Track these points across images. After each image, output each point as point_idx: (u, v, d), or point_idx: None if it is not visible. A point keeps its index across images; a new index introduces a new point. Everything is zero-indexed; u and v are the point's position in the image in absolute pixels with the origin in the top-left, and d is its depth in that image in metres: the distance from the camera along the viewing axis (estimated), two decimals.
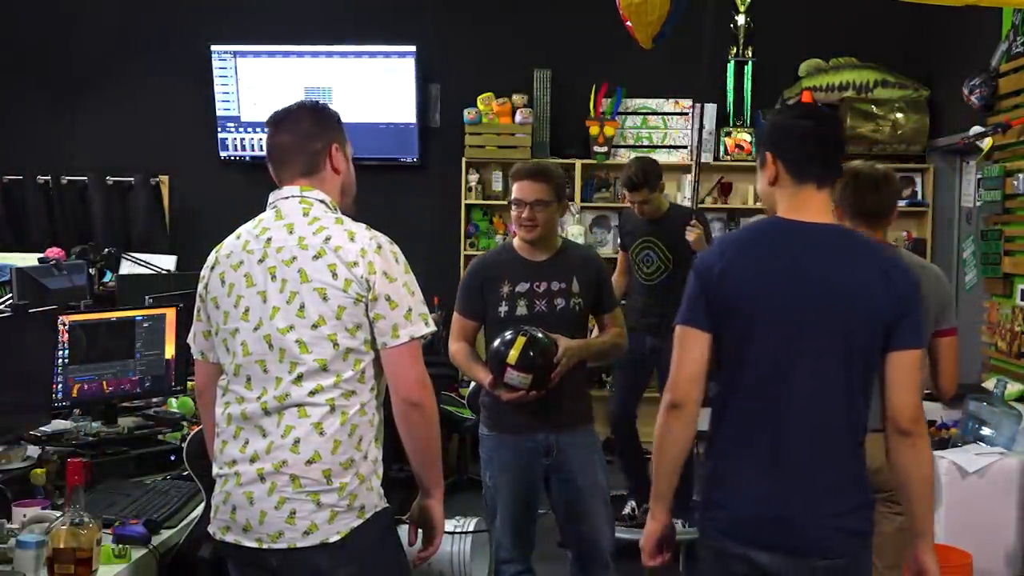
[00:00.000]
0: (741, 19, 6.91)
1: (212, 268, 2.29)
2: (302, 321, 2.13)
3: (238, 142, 7.18)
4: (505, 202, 7.07)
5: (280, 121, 2.30)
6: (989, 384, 4.94)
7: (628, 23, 4.45)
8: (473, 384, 5.81)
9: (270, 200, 2.30)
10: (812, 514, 2.16)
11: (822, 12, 6.85)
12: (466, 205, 7.06)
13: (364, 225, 2.24)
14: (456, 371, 6.67)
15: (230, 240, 2.30)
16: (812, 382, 2.17)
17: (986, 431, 4.29)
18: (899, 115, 6.68)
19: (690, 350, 2.21)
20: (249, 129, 7.14)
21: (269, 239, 2.21)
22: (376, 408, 2.22)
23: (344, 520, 2.12)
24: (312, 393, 2.12)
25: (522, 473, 3.34)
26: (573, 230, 6.92)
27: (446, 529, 4.34)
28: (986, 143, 5.52)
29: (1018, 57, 5.29)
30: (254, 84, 7.11)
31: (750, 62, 6.94)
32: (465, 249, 7.06)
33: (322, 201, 2.25)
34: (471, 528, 4.12)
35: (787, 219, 2.25)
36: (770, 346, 2.18)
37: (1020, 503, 4.07)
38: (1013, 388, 4.76)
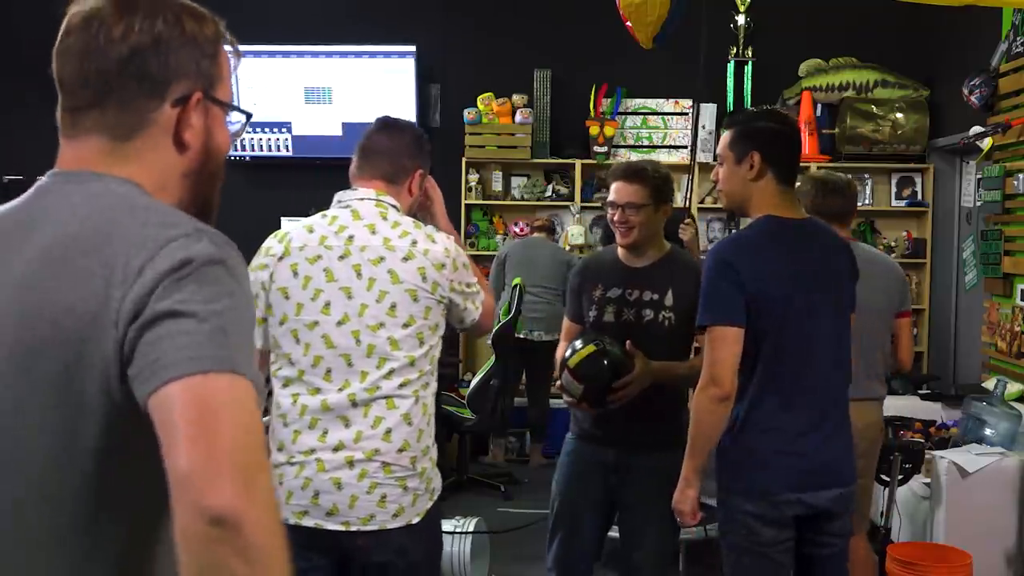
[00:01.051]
0: (741, 19, 6.91)
1: (281, 259, 2.31)
2: (394, 320, 2.26)
3: (238, 142, 7.16)
4: (504, 202, 7.11)
5: (387, 126, 2.45)
6: (989, 384, 4.93)
7: (628, 23, 4.45)
8: (473, 384, 5.82)
9: (340, 199, 2.38)
10: (844, 455, 2.63)
11: (822, 12, 6.84)
12: (466, 205, 7.05)
13: (431, 225, 2.42)
14: (456, 371, 6.69)
15: (300, 232, 2.34)
16: (833, 354, 2.60)
17: (986, 431, 4.28)
18: (899, 115, 6.68)
19: (730, 346, 2.48)
20: (250, 129, 7.11)
21: (351, 237, 2.30)
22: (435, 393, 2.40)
23: (422, 503, 2.30)
24: (402, 386, 2.26)
25: (583, 486, 3.11)
26: (574, 230, 6.93)
27: (446, 529, 4.35)
28: (986, 143, 5.52)
29: (1018, 57, 5.29)
30: (254, 84, 7.07)
31: (750, 62, 6.94)
32: (465, 249, 7.03)
33: (394, 206, 2.37)
34: (471, 528, 4.12)
35: (787, 218, 2.59)
36: (801, 330, 2.54)
37: (1020, 503, 4.07)
38: (1013, 388, 4.76)
